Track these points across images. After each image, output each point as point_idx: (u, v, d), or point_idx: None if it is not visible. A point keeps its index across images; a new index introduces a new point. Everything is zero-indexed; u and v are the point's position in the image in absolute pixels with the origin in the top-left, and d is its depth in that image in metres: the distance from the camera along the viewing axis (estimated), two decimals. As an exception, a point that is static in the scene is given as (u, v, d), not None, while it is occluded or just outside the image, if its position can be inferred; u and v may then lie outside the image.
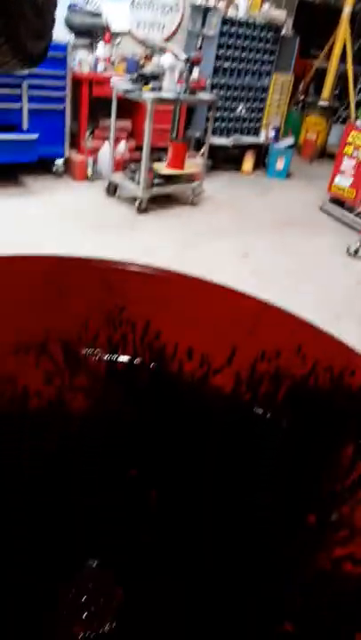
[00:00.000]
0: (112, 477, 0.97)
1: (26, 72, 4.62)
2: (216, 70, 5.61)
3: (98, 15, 5.26)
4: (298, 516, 0.90)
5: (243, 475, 0.99)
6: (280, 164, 5.99)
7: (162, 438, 1.05)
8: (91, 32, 5.29)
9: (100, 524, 0.89)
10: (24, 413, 1.00)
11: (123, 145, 5.46)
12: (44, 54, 2.41)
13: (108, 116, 5.17)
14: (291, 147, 6.12)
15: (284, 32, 5.87)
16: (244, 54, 5.68)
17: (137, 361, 1.08)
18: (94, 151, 5.48)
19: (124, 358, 1.08)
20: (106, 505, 0.92)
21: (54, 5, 2.40)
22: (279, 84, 6.07)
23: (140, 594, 0.81)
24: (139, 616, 0.78)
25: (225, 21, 5.41)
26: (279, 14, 5.71)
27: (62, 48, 4.83)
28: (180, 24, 5.73)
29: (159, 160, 5.57)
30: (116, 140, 5.34)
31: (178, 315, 1.05)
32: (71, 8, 5.07)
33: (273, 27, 5.70)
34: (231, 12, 5.50)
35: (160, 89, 4.79)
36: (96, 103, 5.41)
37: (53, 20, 2.46)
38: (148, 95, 4.62)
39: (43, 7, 2.23)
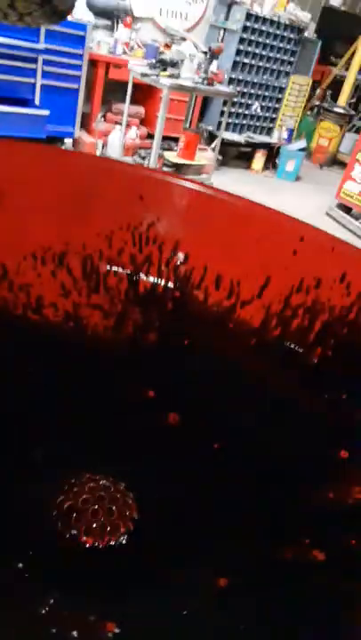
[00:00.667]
0: (128, 396, 0.90)
1: (42, 47, 4.55)
2: (235, 65, 5.58)
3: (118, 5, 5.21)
4: (329, 452, 0.83)
5: (262, 407, 0.92)
6: (290, 166, 5.97)
7: (181, 367, 0.97)
8: (112, 14, 5.24)
9: (114, 439, 0.81)
10: (38, 322, 0.92)
11: (134, 130, 5.40)
12: (70, 9, 2.34)
13: (122, 99, 5.11)
14: (302, 150, 6.10)
15: (306, 34, 5.87)
16: (264, 52, 5.66)
17: (160, 285, 1.00)
18: (105, 134, 5.41)
19: (146, 280, 1.00)
20: (121, 421, 0.84)
21: None
22: (297, 87, 6.06)
23: (153, 509, 0.73)
24: (151, 531, 0.71)
25: (249, 16, 5.38)
26: (303, 16, 5.71)
27: (82, 27, 4.75)
28: (203, 16, 5.70)
29: (170, 149, 5.53)
30: (128, 126, 5.28)
31: (211, 236, 0.97)
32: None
33: (296, 27, 5.69)
34: (256, 8, 5.48)
35: (178, 77, 4.75)
36: (110, 86, 5.35)
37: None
38: (165, 81, 4.57)
39: None
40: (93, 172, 0.94)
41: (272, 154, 6.10)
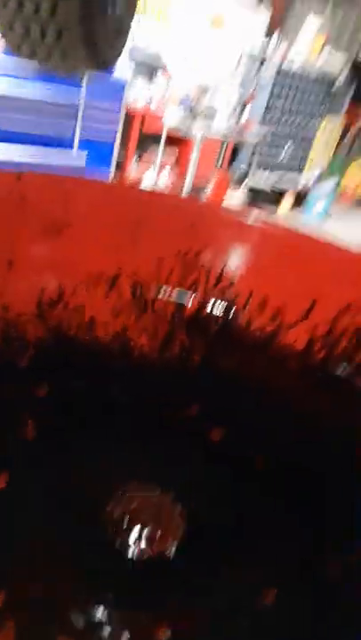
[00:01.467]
0: (173, 413, 0.92)
1: (82, 103, 4.70)
2: (266, 113, 5.78)
3: (157, 56, 5.49)
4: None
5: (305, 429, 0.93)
6: (319, 207, 6.04)
7: (224, 388, 0.99)
8: (151, 65, 5.51)
9: (161, 453, 0.83)
10: (88, 342, 0.96)
11: (167, 171, 5.59)
12: (115, 60, 2.49)
13: (157, 141, 5.32)
14: (332, 190, 6.18)
15: (338, 83, 6.03)
16: (294, 104, 5.86)
17: (205, 309, 1.04)
18: (139, 180, 5.61)
19: (192, 304, 1.04)
20: (167, 436, 0.86)
21: (132, 17, 2.48)
22: (328, 127, 6.21)
23: (201, 520, 0.75)
24: (200, 542, 0.72)
25: (279, 72, 5.57)
26: (336, 64, 5.88)
27: (121, 86, 4.85)
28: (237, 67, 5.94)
29: (201, 189, 5.68)
30: (162, 166, 5.47)
31: (257, 262, 1.01)
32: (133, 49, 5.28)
33: (327, 80, 5.89)
34: (289, 60, 5.68)
35: (210, 126, 4.98)
36: (146, 132, 5.59)
37: (128, 30, 2.55)
38: (197, 132, 4.81)
39: (123, 20, 2.32)
40: (147, 204, 1.00)
41: (302, 193, 6.20)
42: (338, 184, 6.61)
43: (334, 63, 5.90)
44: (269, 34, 5.83)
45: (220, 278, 1.03)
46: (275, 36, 5.73)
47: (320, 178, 6.26)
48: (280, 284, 0.99)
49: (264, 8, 5.97)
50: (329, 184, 6.15)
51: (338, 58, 5.94)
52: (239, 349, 1.03)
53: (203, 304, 1.04)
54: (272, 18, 6.06)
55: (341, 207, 6.84)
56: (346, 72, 6.08)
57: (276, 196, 6.24)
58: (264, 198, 6.22)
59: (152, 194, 1.05)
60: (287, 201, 6.15)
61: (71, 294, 0.96)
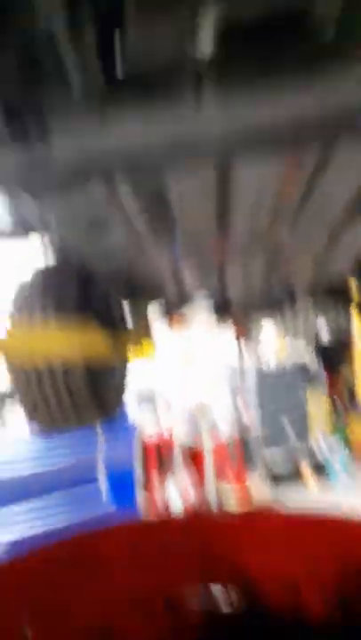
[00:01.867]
0: None
1: (102, 453, 5.24)
2: (257, 404, 6.58)
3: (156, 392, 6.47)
4: None
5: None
6: (337, 468, 6.24)
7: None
8: (152, 402, 6.38)
9: None
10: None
11: (186, 479, 5.84)
12: (117, 407, 3.24)
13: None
14: (342, 448, 6.47)
15: (312, 368, 7.00)
16: (280, 390, 6.68)
17: (230, 608, 1.22)
18: (163, 491, 5.84)
19: (218, 607, 1.22)
20: None
21: (126, 380, 3.32)
22: (316, 397, 6.86)
23: None
24: None
25: (260, 375, 6.64)
26: (303, 352, 6.88)
27: (132, 430, 5.59)
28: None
29: (223, 484, 5.88)
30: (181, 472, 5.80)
31: (265, 553, 1.25)
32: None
33: (300, 366, 6.87)
34: (265, 362, 6.78)
35: (215, 435, 5.70)
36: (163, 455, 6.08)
37: (125, 384, 3.33)
38: (205, 443, 5.60)
39: (120, 386, 3.17)
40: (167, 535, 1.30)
41: (315, 461, 6.43)
42: (345, 441, 6.91)
43: (301, 352, 6.95)
44: (238, 344, 7.04)
45: (237, 577, 1.24)
46: (243, 344, 6.93)
47: (326, 441, 6.60)
48: (287, 560, 1.21)
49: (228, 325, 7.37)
50: (337, 444, 6.48)
51: (302, 346, 7.03)
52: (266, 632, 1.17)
53: (227, 604, 1.23)
54: (237, 330, 7.41)
55: (358, 461, 6.95)
56: (313, 357, 7.09)
57: (294, 470, 6.43)
58: (284, 476, 6.40)
59: (166, 522, 1.36)
60: (306, 471, 6.33)
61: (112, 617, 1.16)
